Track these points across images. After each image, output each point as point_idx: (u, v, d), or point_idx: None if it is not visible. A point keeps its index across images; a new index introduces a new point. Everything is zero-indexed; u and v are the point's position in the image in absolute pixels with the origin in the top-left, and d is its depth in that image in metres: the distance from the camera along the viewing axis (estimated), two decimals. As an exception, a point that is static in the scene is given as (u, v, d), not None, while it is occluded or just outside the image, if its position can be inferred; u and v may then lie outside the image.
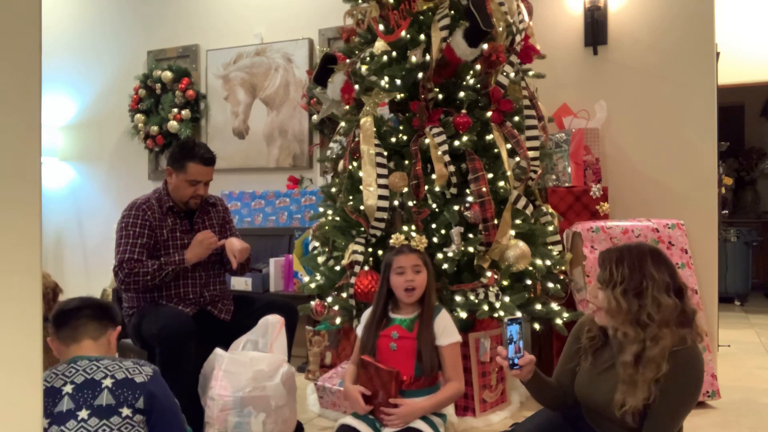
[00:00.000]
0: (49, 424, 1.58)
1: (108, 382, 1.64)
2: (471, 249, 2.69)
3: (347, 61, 3.10)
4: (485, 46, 2.78)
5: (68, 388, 1.62)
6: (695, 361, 1.67)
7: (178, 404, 1.79)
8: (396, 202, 2.80)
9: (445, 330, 2.24)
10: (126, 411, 1.62)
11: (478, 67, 2.84)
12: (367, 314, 2.37)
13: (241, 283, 3.73)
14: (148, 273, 2.56)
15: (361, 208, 2.77)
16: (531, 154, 2.88)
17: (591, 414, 1.87)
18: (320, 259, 3.07)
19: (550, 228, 2.97)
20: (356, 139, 2.89)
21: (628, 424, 1.72)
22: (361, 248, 2.75)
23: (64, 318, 1.79)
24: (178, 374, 2.32)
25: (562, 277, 2.98)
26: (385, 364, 2.19)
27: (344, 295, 2.79)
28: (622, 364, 1.71)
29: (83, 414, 1.59)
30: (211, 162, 2.73)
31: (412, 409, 2.14)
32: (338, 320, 2.90)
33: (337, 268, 2.92)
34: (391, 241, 2.42)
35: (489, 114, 2.83)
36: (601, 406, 1.79)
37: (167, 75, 4.65)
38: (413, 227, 2.71)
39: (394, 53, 2.91)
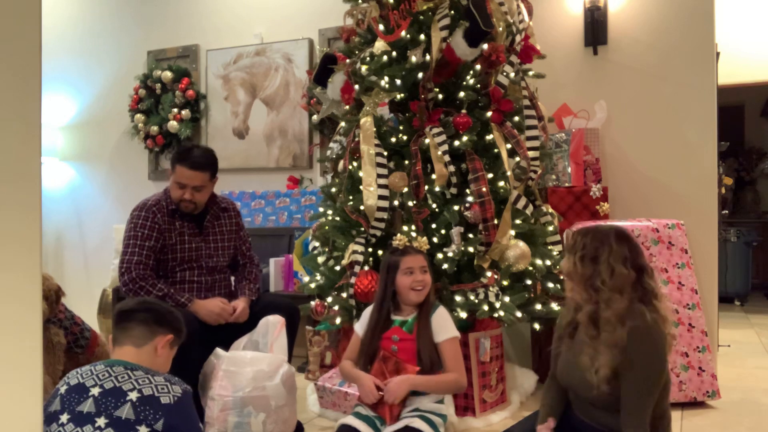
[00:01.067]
0: (68, 420, 1.58)
1: (134, 395, 1.60)
2: (471, 249, 2.69)
3: (347, 61, 3.10)
4: (485, 46, 2.78)
5: (95, 391, 1.61)
6: (653, 337, 1.76)
7: (201, 429, 1.73)
8: (396, 202, 2.80)
9: (442, 326, 2.27)
10: (143, 429, 1.57)
11: (478, 67, 2.84)
12: (367, 312, 2.38)
13: (241, 283, 3.73)
14: (150, 294, 2.55)
15: (361, 208, 2.77)
16: (531, 154, 2.88)
17: (576, 401, 1.93)
18: (320, 259, 3.07)
19: (550, 228, 2.97)
20: (356, 139, 2.89)
21: (602, 400, 1.80)
22: (361, 248, 2.75)
23: (118, 318, 1.80)
24: (181, 374, 2.32)
25: (562, 277, 2.98)
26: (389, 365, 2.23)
27: (344, 295, 2.79)
28: (581, 324, 1.86)
29: (101, 422, 1.57)
30: (198, 167, 2.65)
31: (401, 380, 2.15)
32: (338, 320, 2.90)
33: (337, 268, 2.92)
34: (394, 242, 2.43)
35: (489, 114, 2.83)
36: (578, 385, 1.87)
37: (167, 75, 4.64)
38: (413, 227, 2.71)
39: (394, 53, 2.91)
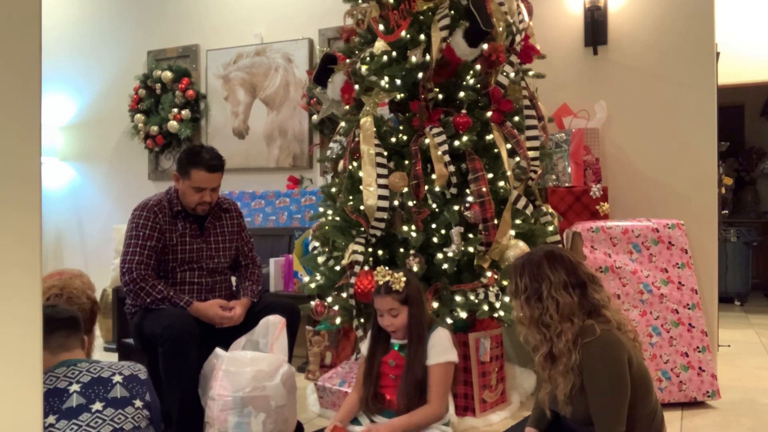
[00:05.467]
0: (57, 419, 1.63)
1: (118, 378, 1.77)
2: (471, 249, 2.69)
3: (347, 61, 3.10)
4: (485, 46, 2.78)
5: (75, 387, 1.70)
6: (607, 349, 1.77)
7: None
8: (396, 202, 2.80)
9: (433, 349, 2.22)
10: (138, 403, 1.77)
11: (478, 67, 2.84)
12: (369, 337, 2.40)
13: (241, 283, 3.73)
14: (150, 295, 2.53)
15: (361, 208, 2.77)
16: (531, 154, 2.87)
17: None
18: (320, 259, 3.07)
19: (550, 228, 2.97)
20: (356, 139, 2.89)
21: (575, 418, 1.83)
22: (361, 248, 2.75)
23: (49, 328, 1.80)
24: (181, 374, 2.32)
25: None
26: (387, 391, 2.25)
27: (344, 295, 2.79)
28: (538, 365, 1.86)
29: (97, 406, 1.69)
30: (215, 169, 2.68)
31: (381, 428, 2.15)
32: (338, 320, 2.90)
33: (337, 268, 2.92)
34: (378, 276, 2.33)
35: (489, 114, 2.83)
36: (553, 407, 1.91)
37: (167, 75, 4.65)
38: (413, 227, 2.71)
39: (394, 53, 2.91)
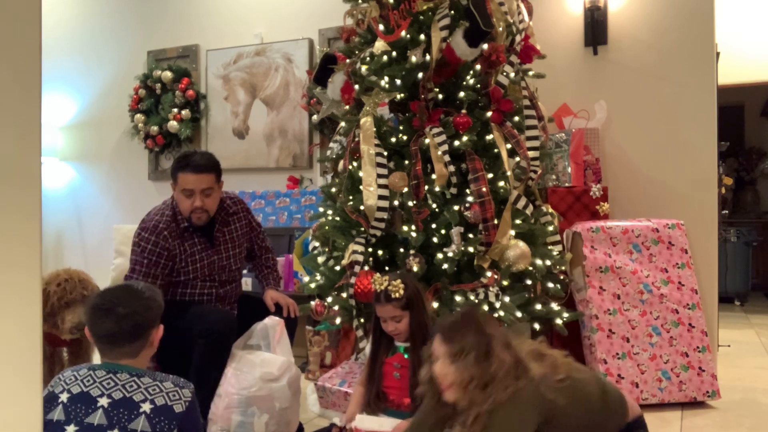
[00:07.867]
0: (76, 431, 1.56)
1: (147, 407, 1.59)
2: (471, 249, 2.69)
3: (347, 61, 3.10)
4: (485, 46, 2.78)
5: (104, 401, 1.58)
6: (513, 404, 1.68)
7: (202, 427, 1.75)
8: (396, 202, 2.80)
9: None
10: None
11: (478, 67, 2.84)
12: (371, 340, 2.42)
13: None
14: None
15: (361, 208, 2.77)
16: (531, 154, 2.87)
17: None
18: (320, 259, 3.07)
19: (550, 228, 2.97)
20: (356, 139, 2.89)
21: None
22: (361, 248, 2.75)
23: (100, 335, 1.70)
24: (215, 371, 2.31)
25: (562, 277, 2.98)
26: (391, 391, 2.27)
27: (344, 295, 2.79)
28: (465, 427, 1.71)
29: None
30: (201, 169, 2.53)
31: None
32: (338, 320, 2.90)
33: (337, 268, 2.92)
34: (375, 284, 2.32)
35: (489, 114, 2.82)
36: None
37: (167, 75, 4.64)
38: (413, 227, 2.71)
39: (394, 53, 2.91)
